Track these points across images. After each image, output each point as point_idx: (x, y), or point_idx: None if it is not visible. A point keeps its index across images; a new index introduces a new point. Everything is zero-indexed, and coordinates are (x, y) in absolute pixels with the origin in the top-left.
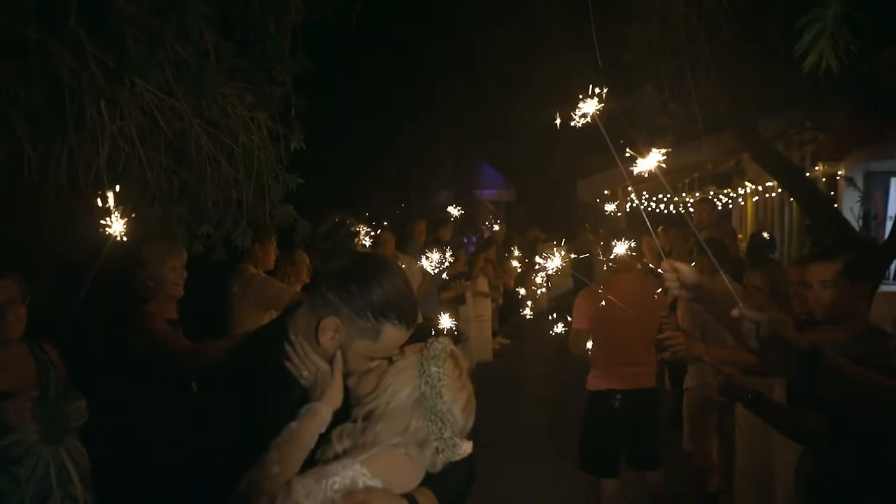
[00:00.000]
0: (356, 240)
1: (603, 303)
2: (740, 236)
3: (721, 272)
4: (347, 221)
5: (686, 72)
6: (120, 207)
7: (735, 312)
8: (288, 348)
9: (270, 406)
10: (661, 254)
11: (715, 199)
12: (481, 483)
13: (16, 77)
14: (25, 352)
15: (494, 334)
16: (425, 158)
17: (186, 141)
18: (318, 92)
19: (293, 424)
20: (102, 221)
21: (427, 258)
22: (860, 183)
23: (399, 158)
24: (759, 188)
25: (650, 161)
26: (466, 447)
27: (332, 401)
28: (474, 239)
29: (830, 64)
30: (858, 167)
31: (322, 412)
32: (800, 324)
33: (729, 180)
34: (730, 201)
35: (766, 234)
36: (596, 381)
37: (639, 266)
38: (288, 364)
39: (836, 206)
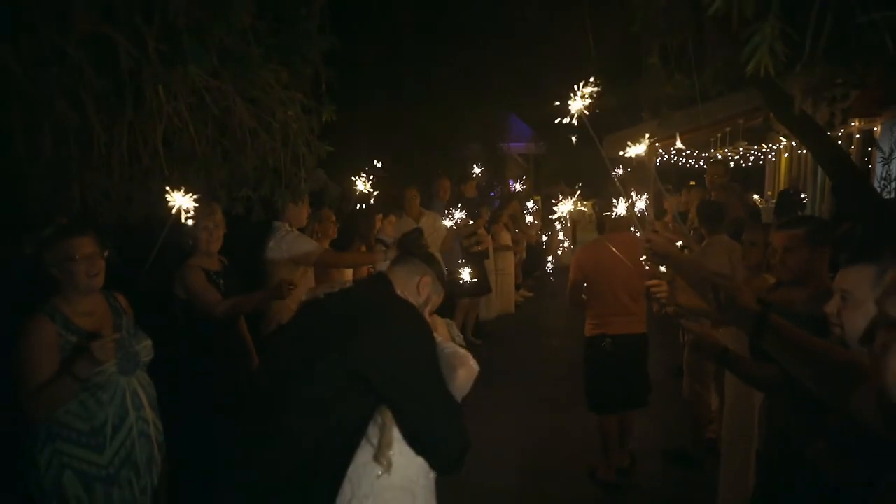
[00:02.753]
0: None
1: (595, 258)
2: (769, 193)
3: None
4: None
5: (689, 44)
6: (172, 175)
7: (701, 278)
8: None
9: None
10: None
11: (746, 154)
12: (495, 425)
13: (88, 65)
14: (102, 300)
15: (518, 287)
16: (453, 113)
17: (230, 116)
18: (349, 61)
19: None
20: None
21: (450, 216)
22: (893, 139)
23: (427, 115)
24: (793, 143)
25: (640, 146)
26: None
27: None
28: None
29: (770, 71)
30: (890, 124)
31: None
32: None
33: (762, 135)
34: (762, 156)
35: (801, 193)
36: (590, 328)
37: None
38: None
39: (870, 164)
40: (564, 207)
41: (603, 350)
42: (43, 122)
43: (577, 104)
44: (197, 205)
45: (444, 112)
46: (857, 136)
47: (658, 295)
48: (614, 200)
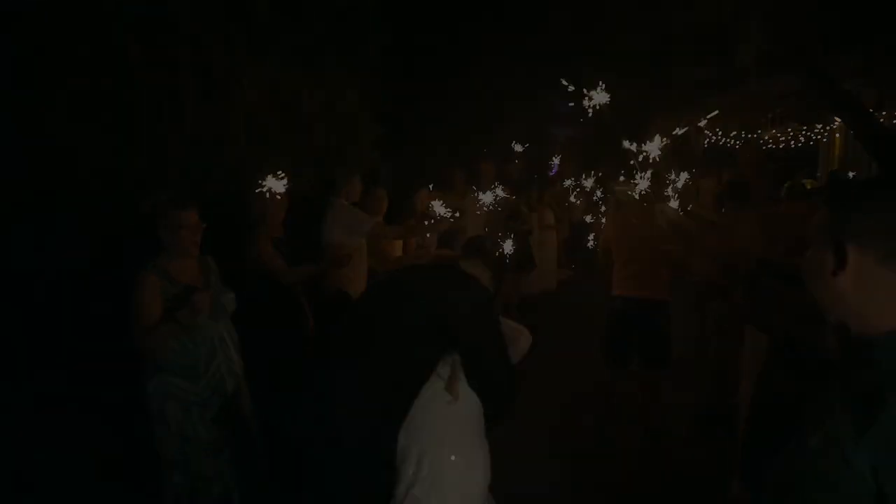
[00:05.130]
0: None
1: (618, 226)
2: (819, 174)
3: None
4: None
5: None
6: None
7: (701, 246)
8: None
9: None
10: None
11: (797, 135)
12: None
13: (185, 62)
14: (195, 260)
15: (560, 265)
16: (498, 95)
17: (298, 101)
18: (406, 54)
19: None
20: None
21: (493, 194)
22: None
23: (474, 98)
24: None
25: (654, 146)
26: None
27: None
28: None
29: (755, 69)
30: None
31: None
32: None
33: (815, 115)
34: (813, 137)
35: (850, 174)
36: (614, 288)
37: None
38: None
39: None
40: (588, 183)
41: (616, 308)
42: (144, 110)
43: (600, 97)
44: (287, 186)
45: (490, 94)
46: None
47: (672, 257)
48: (633, 182)
